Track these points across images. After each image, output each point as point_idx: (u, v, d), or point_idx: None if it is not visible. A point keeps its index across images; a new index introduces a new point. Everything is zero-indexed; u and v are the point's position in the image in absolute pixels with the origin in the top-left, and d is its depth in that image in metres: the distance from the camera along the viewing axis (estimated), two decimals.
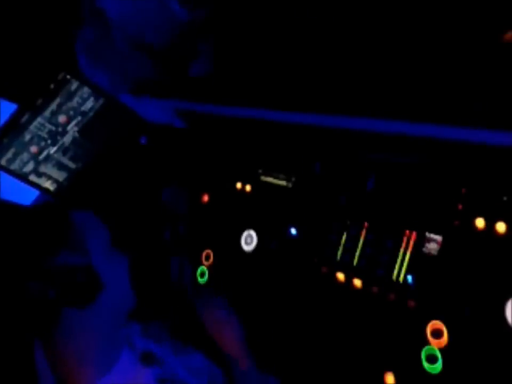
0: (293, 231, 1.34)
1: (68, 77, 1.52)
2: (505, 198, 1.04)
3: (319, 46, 1.35)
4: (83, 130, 1.57)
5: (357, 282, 1.21)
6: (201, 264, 1.50)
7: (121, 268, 1.10)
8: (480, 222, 1.06)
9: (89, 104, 1.56)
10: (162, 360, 1.09)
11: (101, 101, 1.57)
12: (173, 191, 1.60)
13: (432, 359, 1.06)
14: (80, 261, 0.98)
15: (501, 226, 1.03)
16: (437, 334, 1.07)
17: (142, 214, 1.56)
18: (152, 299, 1.38)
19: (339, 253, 1.26)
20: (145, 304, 1.21)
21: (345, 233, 1.26)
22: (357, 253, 1.23)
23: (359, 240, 1.23)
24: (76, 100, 1.54)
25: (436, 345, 1.06)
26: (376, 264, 1.19)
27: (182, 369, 1.11)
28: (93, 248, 1.03)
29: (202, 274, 1.48)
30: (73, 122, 1.56)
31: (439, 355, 1.05)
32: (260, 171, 1.46)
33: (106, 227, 1.14)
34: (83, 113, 1.56)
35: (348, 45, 1.22)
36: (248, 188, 1.47)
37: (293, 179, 1.38)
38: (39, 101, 1.51)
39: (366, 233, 1.23)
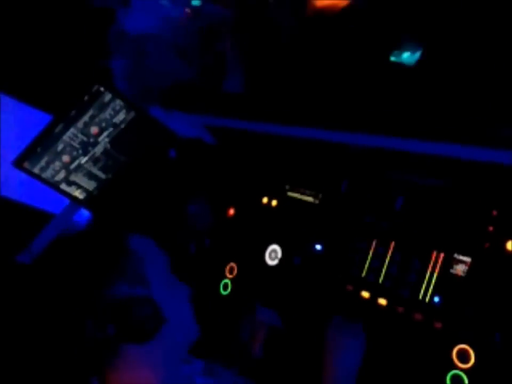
0: (318, 247, 1.34)
1: (102, 89, 1.55)
2: None
3: (349, 66, 1.37)
4: (114, 141, 1.60)
5: (382, 301, 1.20)
6: (225, 277, 1.50)
7: (182, 298, 1.00)
8: (511, 245, 1.05)
9: (121, 116, 1.59)
10: None
11: (132, 114, 1.60)
12: (199, 205, 1.62)
13: (457, 381, 1.04)
14: (140, 292, 0.90)
15: None
16: (463, 357, 1.05)
17: (170, 229, 1.58)
18: (216, 334, 1.38)
19: (365, 271, 1.25)
20: (208, 339, 1.18)
21: (371, 251, 1.26)
22: (383, 272, 1.23)
23: (385, 259, 1.23)
24: (108, 112, 1.57)
25: (461, 368, 1.05)
26: (402, 284, 1.19)
27: None
28: (152, 276, 0.94)
29: (225, 287, 1.49)
30: (105, 134, 1.59)
31: (465, 379, 1.03)
32: (287, 187, 1.46)
33: (162, 252, 1.03)
34: (115, 125, 1.59)
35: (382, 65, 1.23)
36: (274, 202, 1.48)
37: (320, 196, 1.39)
38: (73, 112, 1.55)
39: (393, 252, 1.22)
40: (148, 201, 1.66)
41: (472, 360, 1.04)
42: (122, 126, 1.61)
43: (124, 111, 1.60)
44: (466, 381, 1.03)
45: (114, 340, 0.87)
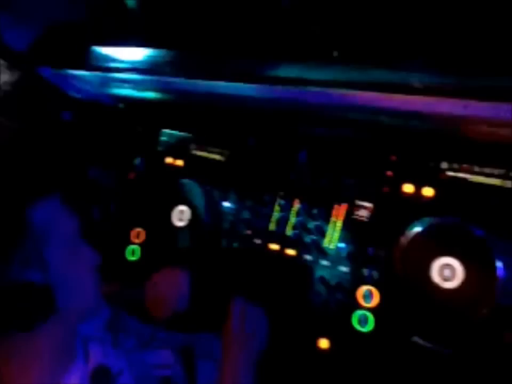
0: (227, 204, 1.34)
1: None
2: (431, 164, 1.09)
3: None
4: None
5: (290, 252, 1.23)
6: (131, 242, 1.46)
7: (83, 269, 0.93)
8: (408, 188, 1.11)
9: (4, 77, 1.46)
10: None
11: (17, 74, 1.48)
12: (101, 168, 1.54)
13: (363, 320, 1.10)
14: (32, 276, 0.82)
15: (428, 191, 1.09)
16: (367, 297, 1.11)
17: (72, 194, 1.49)
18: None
19: (272, 224, 1.27)
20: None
21: (277, 205, 1.28)
22: (289, 223, 1.25)
23: (291, 211, 1.25)
24: None
25: (367, 308, 1.11)
26: (309, 234, 1.22)
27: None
28: (51, 254, 0.86)
29: (133, 252, 1.44)
30: None
31: (370, 316, 1.09)
32: (192, 145, 1.44)
33: (67, 216, 0.94)
34: None
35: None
36: (179, 162, 1.45)
37: (227, 153, 1.38)
38: None
39: (298, 204, 1.25)
40: (43, 168, 1.56)
41: (376, 299, 1.10)
42: (7, 88, 1.48)
43: (7, 71, 1.47)
44: (371, 318, 1.09)
45: None
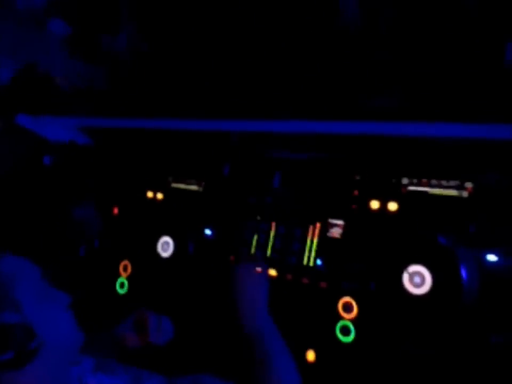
0: (208, 232, 1.41)
1: None
2: (394, 180, 1.18)
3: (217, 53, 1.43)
4: None
5: (272, 272, 1.30)
6: (120, 275, 1.51)
7: (60, 310, 0.95)
8: (374, 204, 1.20)
9: None
10: None
11: None
12: (84, 208, 1.60)
13: (345, 331, 1.17)
14: (8, 318, 0.85)
15: (393, 206, 1.18)
16: (347, 308, 1.19)
17: (56, 236, 1.54)
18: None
19: (253, 247, 1.34)
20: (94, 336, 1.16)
21: (256, 229, 1.35)
22: (269, 246, 1.32)
23: (270, 233, 1.33)
24: None
25: (347, 318, 1.18)
26: (288, 254, 1.29)
27: None
28: (23, 296, 0.88)
29: (122, 285, 1.50)
30: None
31: (351, 327, 1.17)
32: (170, 178, 1.51)
33: (35, 266, 0.98)
34: None
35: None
36: (159, 195, 1.52)
37: (203, 183, 1.45)
38: None
39: (276, 226, 1.33)
40: (28, 213, 1.61)
41: (355, 310, 1.17)
42: None
43: None
44: (352, 328, 1.16)
45: None
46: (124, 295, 1.49)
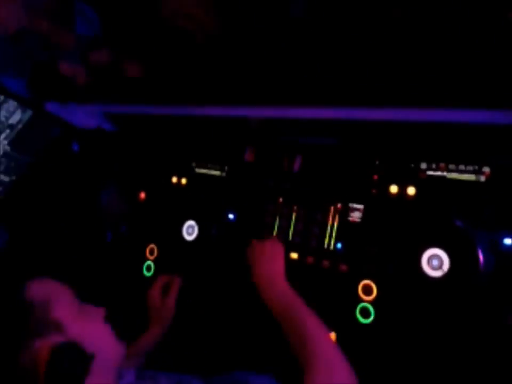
0: (231, 216, 1.44)
1: None
2: (412, 165, 1.19)
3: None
4: (13, 143, 1.58)
5: (294, 255, 1.33)
6: (147, 259, 1.57)
7: (98, 323, 0.98)
8: (393, 188, 1.21)
9: (16, 116, 1.57)
10: None
11: (29, 113, 1.59)
12: (111, 193, 1.65)
13: (365, 313, 1.20)
14: (56, 339, 0.87)
15: (411, 190, 1.19)
16: (367, 291, 1.21)
17: (85, 222, 1.60)
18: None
19: (275, 231, 1.37)
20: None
21: (278, 212, 1.38)
22: (291, 229, 1.35)
23: (291, 217, 1.36)
24: (3, 114, 1.55)
25: (367, 301, 1.20)
26: (309, 237, 1.32)
27: None
28: (63, 316, 0.91)
29: (148, 268, 1.55)
30: (2, 136, 1.57)
31: (371, 309, 1.19)
32: (194, 164, 1.54)
33: (62, 287, 0.99)
34: (11, 127, 1.57)
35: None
36: (184, 181, 1.56)
37: (226, 168, 1.48)
38: None
39: (297, 210, 1.35)
40: (58, 199, 1.67)
41: (375, 292, 1.20)
42: (20, 126, 1.59)
43: (19, 111, 1.58)
44: (372, 310, 1.19)
45: None
46: (150, 277, 1.55)
